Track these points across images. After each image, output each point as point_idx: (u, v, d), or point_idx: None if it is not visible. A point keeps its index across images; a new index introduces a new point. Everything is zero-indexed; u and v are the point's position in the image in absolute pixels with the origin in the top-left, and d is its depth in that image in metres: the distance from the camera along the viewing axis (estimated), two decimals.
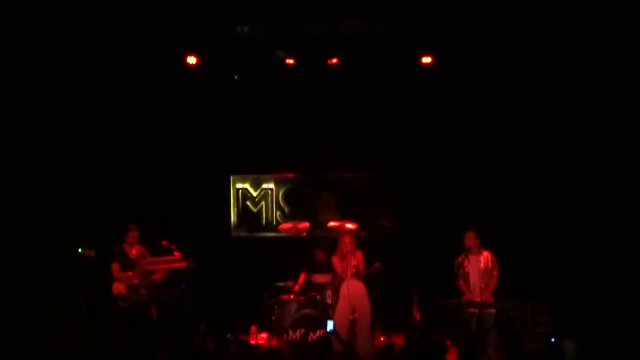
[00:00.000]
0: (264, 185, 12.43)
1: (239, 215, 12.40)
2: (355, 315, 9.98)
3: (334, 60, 11.25)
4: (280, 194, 12.44)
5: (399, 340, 10.29)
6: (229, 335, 10.01)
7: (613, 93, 10.56)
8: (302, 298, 10.36)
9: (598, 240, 10.50)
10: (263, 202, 12.42)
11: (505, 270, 10.03)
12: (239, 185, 12.42)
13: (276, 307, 10.43)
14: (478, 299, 9.91)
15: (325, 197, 12.26)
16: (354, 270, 10.00)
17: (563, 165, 11.02)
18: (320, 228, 11.45)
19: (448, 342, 9.11)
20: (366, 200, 12.26)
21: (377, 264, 10.23)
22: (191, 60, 11.26)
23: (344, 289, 9.99)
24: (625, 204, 10.38)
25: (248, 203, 12.43)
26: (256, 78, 11.78)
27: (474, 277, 10.00)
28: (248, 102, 11.93)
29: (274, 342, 10.33)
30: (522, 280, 10.15)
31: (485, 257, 10.04)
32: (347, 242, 10.06)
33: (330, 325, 9.85)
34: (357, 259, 10.09)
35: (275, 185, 12.43)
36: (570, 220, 10.83)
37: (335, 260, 10.23)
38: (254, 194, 12.44)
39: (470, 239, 10.02)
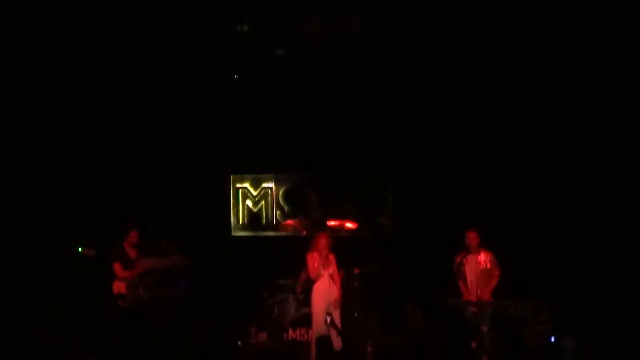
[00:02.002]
0: (264, 185, 12.42)
1: (238, 214, 12.38)
2: (330, 315, 9.91)
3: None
4: (280, 193, 12.43)
5: (399, 340, 10.29)
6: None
7: (614, 92, 10.57)
8: (301, 297, 10.36)
9: (598, 239, 10.50)
10: (263, 201, 12.41)
11: (506, 270, 10.02)
12: (238, 185, 12.41)
13: (276, 307, 10.43)
14: (475, 299, 9.91)
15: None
16: (331, 271, 9.97)
17: (564, 165, 11.03)
18: (319, 226, 11.46)
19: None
20: (366, 200, 12.26)
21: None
22: (191, 59, 11.27)
23: (319, 287, 9.97)
24: (626, 203, 10.38)
25: (248, 202, 12.43)
26: (256, 77, 11.77)
27: (472, 277, 9.99)
28: (248, 102, 11.93)
29: (274, 342, 10.33)
30: (522, 279, 10.14)
31: (485, 257, 10.02)
32: (322, 243, 9.96)
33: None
34: (333, 262, 9.98)
35: (275, 184, 12.42)
36: (570, 219, 10.83)
37: (310, 258, 10.09)
38: (254, 193, 12.43)
39: (471, 238, 10.00)
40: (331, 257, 9.99)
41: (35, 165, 10.85)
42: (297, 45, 11.11)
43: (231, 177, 12.40)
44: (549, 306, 9.50)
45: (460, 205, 11.64)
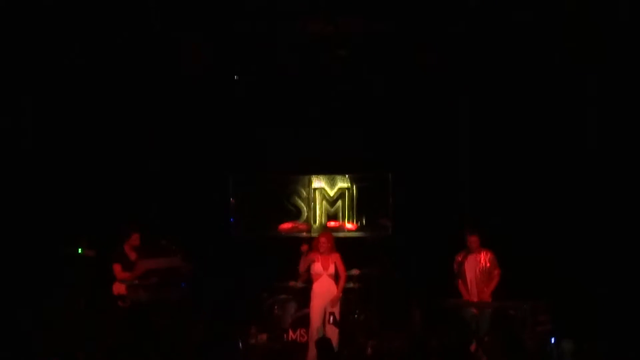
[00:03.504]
0: (265, 185, 12.39)
1: (239, 214, 12.37)
2: (328, 314, 9.91)
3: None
4: (281, 194, 12.40)
5: (399, 340, 10.30)
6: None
7: (614, 92, 10.57)
8: (301, 298, 10.37)
9: (598, 240, 10.51)
10: (264, 202, 12.38)
11: (505, 270, 10.03)
12: (239, 185, 12.39)
13: (276, 307, 10.44)
14: (475, 299, 9.92)
15: None
16: (331, 272, 9.96)
17: (563, 164, 11.04)
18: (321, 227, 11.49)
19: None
20: (366, 200, 12.25)
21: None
22: (191, 60, 11.27)
23: (317, 287, 9.96)
24: (626, 203, 10.39)
25: (249, 203, 12.40)
26: (256, 78, 11.77)
27: (472, 277, 10.01)
28: (248, 102, 11.93)
29: (274, 342, 10.35)
30: (522, 280, 10.15)
31: (484, 256, 10.04)
32: (322, 242, 9.96)
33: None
34: (333, 261, 9.97)
35: (276, 184, 12.40)
36: (570, 219, 10.84)
37: (308, 258, 10.06)
38: (255, 193, 12.39)
39: (472, 241, 10.02)
40: (336, 256, 9.99)
41: (35, 165, 10.84)
42: (297, 45, 11.12)
43: (232, 176, 12.39)
44: (549, 307, 9.52)
45: (460, 205, 11.64)
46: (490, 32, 10.80)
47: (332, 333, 9.66)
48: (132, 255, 10.08)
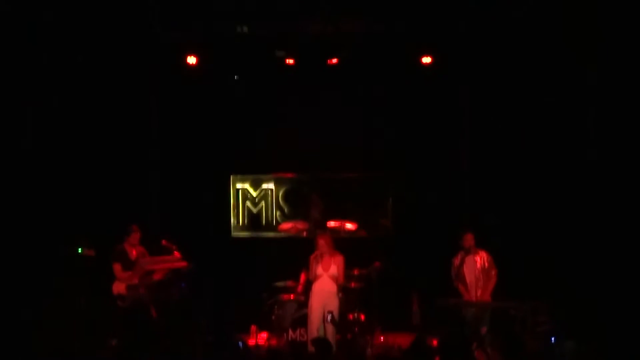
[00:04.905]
0: (264, 185, 12.41)
1: (238, 215, 12.38)
2: (327, 313, 9.91)
3: (334, 61, 11.24)
4: (280, 194, 12.42)
5: (399, 340, 10.30)
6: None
7: (614, 91, 10.56)
8: (302, 298, 10.37)
9: (598, 240, 10.50)
10: (263, 202, 12.41)
11: (505, 270, 10.03)
12: (238, 185, 12.41)
13: (276, 307, 10.45)
14: (475, 299, 9.92)
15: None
16: (331, 272, 9.96)
17: (563, 165, 11.03)
18: (320, 228, 11.47)
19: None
20: (366, 200, 12.26)
21: (376, 264, 10.25)
22: (191, 60, 11.28)
23: (318, 288, 9.96)
24: (626, 203, 10.38)
25: (248, 203, 12.43)
26: (256, 78, 11.78)
27: (471, 278, 10.02)
28: (248, 102, 11.94)
29: (274, 342, 10.35)
30: (522, 280, 10.15)
31: (482, 257, 10.05)
32: (321, 244, 10.00)
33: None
34: (335, 263, 10.02)
35: (275, 185, 12.42)
36: (570, 219, 10.83)
37: (311, 260, 10.09)
38: (254, 194, 12.43)
39: (468, 239, 10.03)
40: (338, 258, 10.00)
41: (35, 165, 10.84)
42: (299, 46, 11.13)
43: (231, 177, 12.40)
44: (549, 307, 9.52)
45: (460, 205, 11.64)
46: (491, 32, 10.82)
47: (331, 332, 9.68)
48: (133, 254, 10.09)
